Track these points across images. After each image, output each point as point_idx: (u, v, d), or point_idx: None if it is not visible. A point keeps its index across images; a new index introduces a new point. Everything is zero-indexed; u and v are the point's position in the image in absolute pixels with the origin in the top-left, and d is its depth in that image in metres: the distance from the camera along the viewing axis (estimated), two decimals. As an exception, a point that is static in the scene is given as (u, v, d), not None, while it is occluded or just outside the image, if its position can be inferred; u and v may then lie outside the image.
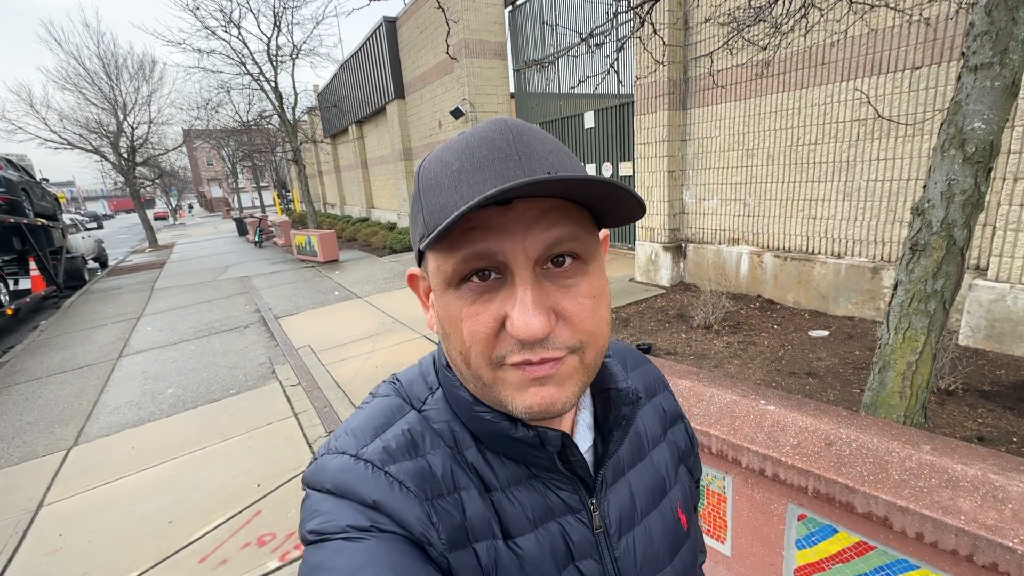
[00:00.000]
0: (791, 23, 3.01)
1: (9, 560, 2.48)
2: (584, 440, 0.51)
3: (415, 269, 0.48)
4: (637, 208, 0.39)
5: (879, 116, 2.96)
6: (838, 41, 4.26)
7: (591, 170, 8.77)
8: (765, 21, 2.69)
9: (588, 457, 0.51)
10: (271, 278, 9.85)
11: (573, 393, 0.41)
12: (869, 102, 3.14)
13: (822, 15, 3.19)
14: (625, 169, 7.87)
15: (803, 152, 4.80)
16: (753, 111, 5.15)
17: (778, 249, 5.19)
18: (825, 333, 4.29)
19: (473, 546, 0.43)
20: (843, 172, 4.53)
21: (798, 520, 1.49)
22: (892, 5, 2.97)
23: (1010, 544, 1.04)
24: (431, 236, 0.35)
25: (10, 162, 9.63)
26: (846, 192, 4.54)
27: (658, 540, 0.53)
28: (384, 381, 0.54)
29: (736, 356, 3.97)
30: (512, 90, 10.69)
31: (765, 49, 3.18)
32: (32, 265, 9.16)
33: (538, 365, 0.39)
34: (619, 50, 2.61)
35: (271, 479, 2.95)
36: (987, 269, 3.68)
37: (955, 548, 1.12)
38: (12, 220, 8.29)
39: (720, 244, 5.77)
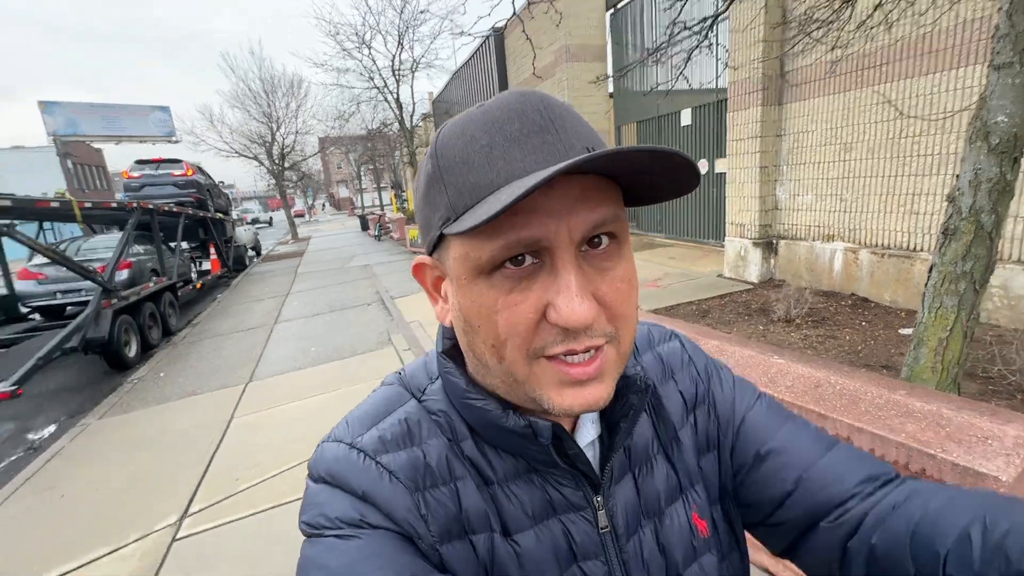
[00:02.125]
0: (898, 13, 3.03)
1: (217, 447, 3.53)
2: (588, 433, 0.48)
3: (424, 258, 0.45)
4: (693, 179, 0.36)
5: (911, 116, 2.94)
6: (947, 28, 4.09)
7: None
8: (858, 26, 2.78)
9: (592, 451, 0.48)
10: (388, 266, 11.23)
11: (611, 387, 0.40)
12: (891, 103, 3.08)
13: (932, 3, 3.14)
14: (721, 166, 7.85)
15: (906, 145, 4.61)
16: (853, 104, 5.02)
17: (876, 246, 5.01)
18: (918, 331, 4.15)
19: (471, 538, 0.43)
20: (951, 165, 4.31)
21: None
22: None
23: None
24: (481, 220, 0.32)
25: (200, 168, 12.08)
26: (954, 186, 4.31)
27: (672, 544, 0.48)
28: (394, 371, 0.54)
29: (811, 348, 4.04)
30: (611, 90, 10.97)
31: (845, 44, 3.28)
32: (212, 251, 11.44)
33: (582, 366, 0.37)
34: (688, 60, 2.94)
35: (388, 414, 3.76)
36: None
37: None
38: (201, 214, 10.46)
39: (813, 240, 5.66)
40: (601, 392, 0.39)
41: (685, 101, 8.58)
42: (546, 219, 0.35)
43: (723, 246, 6.77)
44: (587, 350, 0.37)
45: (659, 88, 3.39)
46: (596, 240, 0.37)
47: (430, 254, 0.43)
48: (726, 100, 7.25)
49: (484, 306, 0.37)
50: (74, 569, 2.43)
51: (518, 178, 0.35)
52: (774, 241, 6.13)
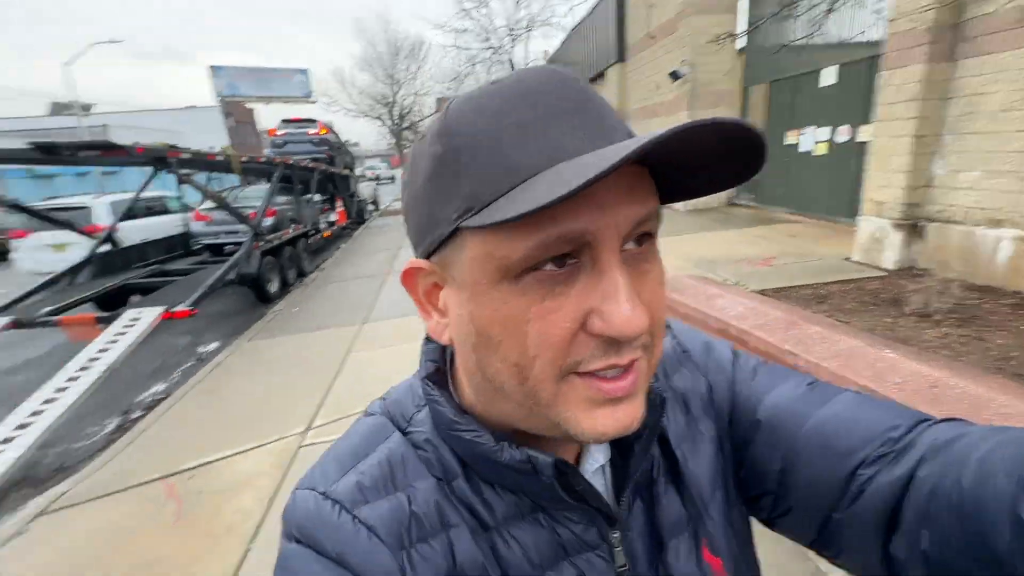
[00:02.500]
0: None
1: (336, 375, 4.09)
2: (595, 459, 0.43)
3: (419, 262, 0.38)
4: (755, 168, 0.30)
5: None
6: None
7: (825, 134, 7.83)
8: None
9: (602, 480, 0.43)
10: (491, 227, 11.61)
11: (643, 406, 0.35)
12: None
13: None
14: (865, 134, 6.87)
15: None
16: (1055, 59, 4.08)
17: (1060, 236, 4.14)
18: (1103, 343, 3.43)
19: None
20: None
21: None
22: None
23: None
24: (536, 206, 0.26)
25: (331, 127, 13.27)
26: None
27: None
28: (379, 398, 0.48)
29: (948, 347, 3.54)
30: (740, 46, 9.94)
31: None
32: (338, 204, 12.65)
33: (617, 380, 0.32)
34: (829, 11, 2.58)
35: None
36: None
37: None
38: (331, 170, 11.56)
39: (973, 225, 4.81)
40: (635, 412, 0.34)
41: (829, 58, 7.52)
42: (595, 211, 0.29)
43: (855, 225, 6.02)
44: (630, 364, 0.33)
45: (795, 42, 3.04)
46: (638, 238, 0.33)
47: (427, 257, 0.37)
48: (878, 56, 6.26)
49: (510, 316, 0.32)
50: (230, 455, 3.04)
51: (564, 160, 0.30)
52: (920, 223, 5.32)
